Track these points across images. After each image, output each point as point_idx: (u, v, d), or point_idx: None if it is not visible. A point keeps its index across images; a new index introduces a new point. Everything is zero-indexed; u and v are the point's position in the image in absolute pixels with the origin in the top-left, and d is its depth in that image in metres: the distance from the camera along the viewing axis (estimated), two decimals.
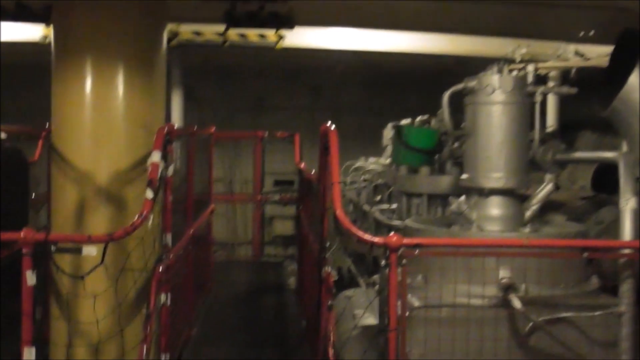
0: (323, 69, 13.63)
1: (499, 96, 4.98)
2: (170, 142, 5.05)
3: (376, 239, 4.14)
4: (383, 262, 4.14)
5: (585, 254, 4.27)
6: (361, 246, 4.25)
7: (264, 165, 12.67)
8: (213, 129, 8.78)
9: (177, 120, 11.52)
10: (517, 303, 4.36)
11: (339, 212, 4.21)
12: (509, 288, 4.47)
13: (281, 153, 13.60)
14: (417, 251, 4.12)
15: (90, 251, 4.14)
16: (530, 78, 5.30)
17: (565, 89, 5.37)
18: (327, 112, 15.84)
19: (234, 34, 9.57)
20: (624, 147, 9.01)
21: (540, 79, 5.44)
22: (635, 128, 5.52)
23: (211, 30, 9.63)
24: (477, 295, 4.49)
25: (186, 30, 9.70)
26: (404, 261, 4.10)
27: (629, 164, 4.90)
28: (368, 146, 12.33)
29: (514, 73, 5.09)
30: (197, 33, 9.72)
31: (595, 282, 4.98)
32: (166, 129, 4.98)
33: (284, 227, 13.47)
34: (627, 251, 4.39)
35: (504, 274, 4.56)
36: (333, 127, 4.68)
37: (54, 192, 5.80)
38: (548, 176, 5.59)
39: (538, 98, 5.37)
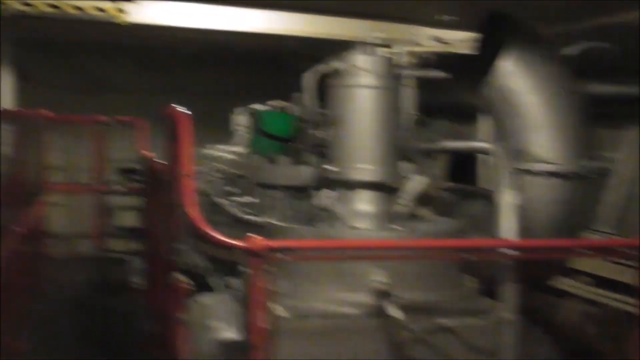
0: (173, 49, 12.74)
1: (367, 79, 4.47)
2: None
3: (236, 242, 3.52)
4: (245, 269, 3.53)
5: (466, 256, 3.85)
6: (218, 250, 3.59)
7: (107, 153, 11.71)
8: (47, 113, 7.80)
9: (7, 102, 10.28)
10: (394, 312, 3.88)
11: (192, 210, 3.54)
12: (383, 294, 4.00)
13: (127, 140, 12.62)
14: (283, 255, 3.54)
15: None
16: (400, 60, 4.84)
17: (436, 73, 4.94)
18: (173, 95, 15.02)
19: (69, 5, 8.56)
20: (481, 136, 8.87)
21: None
22: (506, 115, 5.21)
23: (44, 2, 8.58)
24: (351, 302, 3.99)
25: (14, 1, 8.59)
26: (268, 267, 3.51)
27: (502, 154, 4.53)
28: (219, 132, 11.59)
29: (383, 53, 4.59)
30: (27, 4, 8.63)
31: (471, 284, 4.62)
32: None
33: (129, 219, 12.49)
34: (507, 251, 4.02)
35: (377, 278, 4.09)
36: (184, 110, 3.98)
37: None
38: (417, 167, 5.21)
39: (409, 82, 4.93)
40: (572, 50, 5.35)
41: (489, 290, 4.38)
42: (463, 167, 10.09)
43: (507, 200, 4.17)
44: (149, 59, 14.23)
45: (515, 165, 4.74)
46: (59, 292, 7.76)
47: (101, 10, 8.75)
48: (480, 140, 7.09)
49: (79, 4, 8.62)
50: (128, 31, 9.81)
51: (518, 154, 5.03)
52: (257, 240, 3.44)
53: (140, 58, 14.06)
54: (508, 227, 4.14)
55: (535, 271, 4.45)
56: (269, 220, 4.67)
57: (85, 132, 12.39)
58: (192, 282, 4.39)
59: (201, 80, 14.83)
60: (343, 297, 3.92)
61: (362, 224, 4.52)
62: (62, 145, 13.88)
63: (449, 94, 8.40)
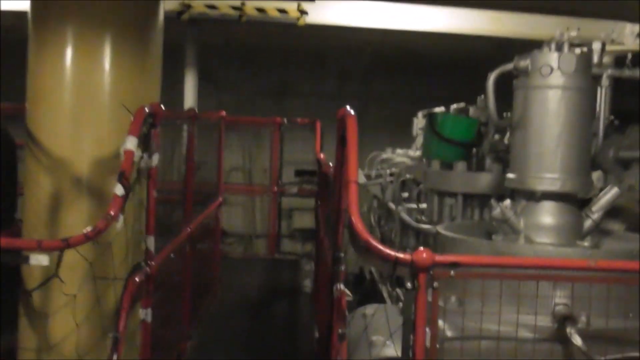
0: (351, 52, 12.75)
1: (557, 79, 4.09)
2: (155, 125, 4.22)
3: (401, 255, 3.30)
4: (409, 284, 3.31)
5: None
6: (382, 263, 3.39)
7: (283, 155, 11.88)
8: (223, 113, 7.98)
9: (190, 103, 10.72)
10: (577, 339, 3.51)
11: (355, 219, 3.37)
12: (566, 319, 3.63)
13: (303, 141, 12.80)
14: (452, 272, 3.28)
15: (41, 260, 3.37)
16: (596, 58, 4.43)
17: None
18: (355, 100, 15.03)
19: (251, 7, 8.75)
20: None
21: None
22: None
23: (227, 4, 8.83)
24: (527, 325, 3.65)
25: (199, 3, 8.91)
26: (436, 284, 3.27)
27: None
28: (398, 137, 11.45)
29: (577, 51, 4.20)
30: (211, 7, 8.92)
31: None
32: (147, 110, 4.16)
33: (304, 221, 12.64)
34: None
35: (560, 300, 3.72)
36: (352, 111, 3.82)
37: (26, 183, 5.01)
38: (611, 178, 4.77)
39: (604, 82, 4.50)
40: None
41: None
42: None
43: None
44: (331, 63, 14.36)
45: None
46: (230, 292, 7.89)
47: (282, 11, 8.87)
48: None
49: (261, 4, 8.79)
50: (310, 34, 9.92)
51: None
52: (424, 254, 3.21)
53: (322, 62, 14.22)
54: None
55: None
56: (440, 230, 4.41)
57: (264, 134, 12.69)
58: (355, 294, 4.23)
59: (385, 84, 14.77)
60: (518, 319, 3.59)
61: (544, 239, 4.16)
62: (242, 146, 14.36)
63: None
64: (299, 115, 12.53)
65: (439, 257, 3.27)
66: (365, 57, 12.73)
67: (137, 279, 3.95)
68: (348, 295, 3.86)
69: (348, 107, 4.01)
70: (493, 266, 3.37)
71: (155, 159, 4.25)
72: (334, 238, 4.35)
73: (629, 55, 6.23)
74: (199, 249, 6.50)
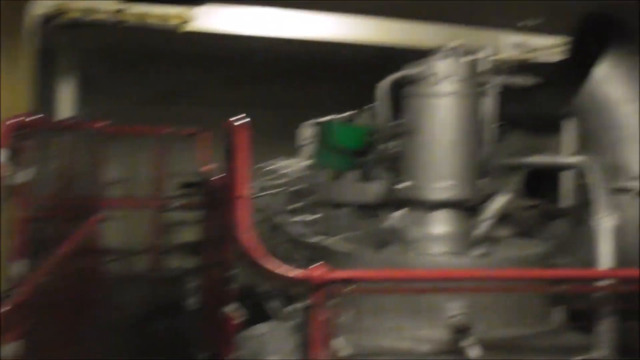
0: (239, 59, 12.53)
1: (447, 86, 4.10)
2: (25, 137, 3.94)
3: (295, 273, 3.19)
4: (304, 304, 3.20)
5: (557, 287, 3.43)
6: (276, 281, 3.27)
7: (169, 166, 11.58)
8: (102, 123, 7.64)
9: (67, 113, 10.25)
10: (472, 351, 3.49)
11: (246, 236, 3.23)
12: (461, 330, 3.61)
13: (189, 152, 12.50)
14: (349, 288, 3.20)
15: None
16: (483, 66, 4.46)
17: (523, 80, 4.55)
18: (242, 108, 14.82)
19: (130, 13, 8.44)
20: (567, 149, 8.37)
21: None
22: (598, 126, 4.76)
23: (105, 9, 8.47)
24: (423, 338, 3.61)
25: (76, 7, 8.51)
26: (333, 301, 3.18)
27: (597, 170, 4.10)
28: (286, 146, 11.32)
29: (465, 59, 4.21)
30: (88, 11, 8.53)
31: (560, 317, 4.19)
32: (15, 121, 3.88)
33: (190, 235, 12.29)
34: (605, 282, 3.59)
35: (454, 310, 3.71)
36: (243, 121, 3.68)
37: None
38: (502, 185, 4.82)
39: (492, 90, 4.54)
40: None
41: (582, 325, 3.95)
42: (538, 181, 9.58)
43: (605, 224, 3.73)
44: (216, 70, 14.09)
45: (610, 183, 4.30)
46: (111, 312, 7.55)
47: (163, 17, 8.60)
48: (570, 154, 6.61)
49: (141, 10, 8.49)
50: (193, 40, 9.66)
51: (613, 170, 4.57)
52: (319, 271, 3.11)
53: (207, 68, 13.94)
54: (605, 254, 3.70)
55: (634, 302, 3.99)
56: (332, 244, 4.32)
57: (147, 145, 12.31)
58: (246, 313, 4.08)
59: (271, 92, 14.61)
60: (415, 333, 3.55)
61: (437, 249, 4.14)
62: (123, 157, 13.88)
63: (525, 104, 7.95)
64: (187, 123, 12.23)
65: (335, 274, 3.19)
66: (253, 65, 12.56)
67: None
68: (239, 317, 3.71)
69: (241, 117, 3.87)
70: (389, 280, 3.31)
71: (26, 174, 3.96)
72: (221, 255, 4.20)
73: (508, 64, 6.38)
74: (76, 269, 6.16)
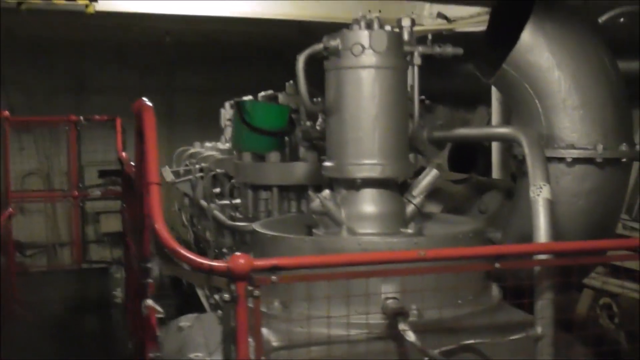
0: (151, 43, 12.11)
1: (370, 58, 3.86)
2: None
3: (215, 264, 2.92)
4: (226, 295, 2.94)
5: (497, 265, 3.25)
6: (194, 273, 2.99)
7: (85, 155, 11.11)
8: (6, 114, 7.19)
9: None
10: (409, 335, 3.30)
11: (159, 226, 2.95)
12: (397, 314, 3.41)
13: (105, 140, 12.06)
14: (274, 277, 2.95)
15: None
16: (406, 36, 4.25)
17: (451, 50, 4.35)
18: (159, 93, 14.32)
19: None
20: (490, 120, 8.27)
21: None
22: (528, 95, 4.60)
23: None
24: (358, 324, 3.39)
25: None
26: (257, 292, 2.93)
27: (533, 142, 3.94)
28: (208, 130, 11.00)
29: (387, 28, 3.98)
30: None
31: (496, 294, 4.04)
32: None
33: (112, 225, 11.84)
34: (543, 257, 3.43)
35: (388, 292, 3.51)
36: (148, 103, 3.37)
37: None
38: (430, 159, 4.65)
39: (416, 61, 4.34)
40: (606, 17, 4.73)
41: (520, 301, 3.80)
42: (463, 154, 9.49)
43: (543, 196, 3.57)
44: (132, 55, 13.58)
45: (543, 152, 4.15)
46: (32, 311, 7.15)
47: None
48: (503, 125, 6.50)
49: None
50: (105, 24, 9.22)
51: (544, 139, 4.43)
52: (241, 260, 2.85)
53: (122, 55, 13.41)
54: (543, 228, 3.54)
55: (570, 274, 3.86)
56: (257, 228, 4.06)
57: (62, 135, 11.79)
58: (172, 298, 3.79)
59: (191, 75, 14.18)
60: (348, 319, 3.32)
61: (368, 229, 3.93)
62: (38, 149, 13.29)
63: (449, 77, 7.83)
64: (100, 112, 11.76)
65: (257, 262, 2.94)
66: (167, 48, 12.13)
67: None
68: (158, 312, 3.42)
69: (144, 99, 3.56)
70: (317, 266, 3.07)
71: None
72: (139, 246, 3.90)
73: (429, 36, 6.20)
74: None
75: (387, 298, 3.49)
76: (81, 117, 9.76)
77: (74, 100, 13.26)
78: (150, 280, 3.58)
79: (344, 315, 3.28)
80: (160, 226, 2.93)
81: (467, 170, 10.32)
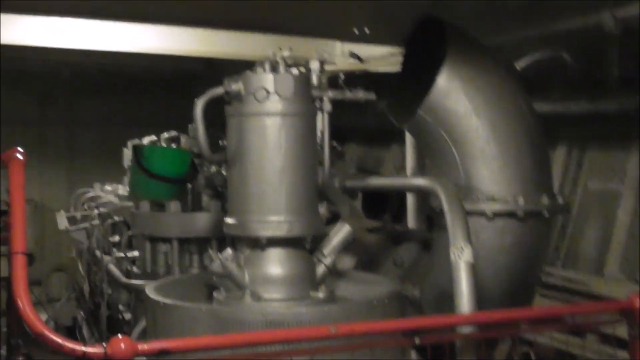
0: (51, 73, 11.48)
1: (275, 104, 3.49)
2: None
3: (90, 350, 2.47)
4: None
5: (417, 340, 2.91)
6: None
7: None
8: None
9: None
10: None
11: (23, 303, 2.48)
12: None
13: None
14: None
15: None
16: (315, 79, 3.91)
17: (362, 94, 4.04)
18: (60, 126, 13.64)
19: None
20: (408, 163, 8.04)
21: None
22: (444, 142, 4.34)
23: None
24: None
25: None
26: None
27: (452, 196, 3.65)
28: (111, 168, 10.38)
29: (294, 71, 3.63)
30: None
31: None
32: None
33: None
34: (467, 329, 3.12)
35: None
36: (18, 154, 2.89)
37: None
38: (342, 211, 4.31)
39: (326, 106, 4.01)
40: (523, 61, 4.53)
41: None
42: (374, 199, 9.25)
43: (465, 259, 3.26)
44: (30, 86, 12.90)
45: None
46: None
47: None
48: (414, 174, 6.24)
49: None
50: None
51: (462, 190, 4.16)
52: (122, 344, 2.42)
53: (19, 85, 12.72)
54: (466, 295, 3.23)
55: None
56: (150, 293, 3.61)
57: None
58: None
59: (94, 108, 13.55)
60: None
61: (274, 294, 3.53)
62: None
63: (361, 114, 7.60)
64: None
65: (142, 346, 2.50)
66: (67, 79, 11.53)
67: None
68: None
69: (18, 149, 3.06)
70: (214, 348, 2.66)
71: None
72: (10, 319, 3.39)
73: (341, 75, 5.88)
74: None
75: None
76: None
77: None
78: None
79: None
80: (24, 304, 2.47)
81: (380, 209, 10.10)
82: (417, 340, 2.88)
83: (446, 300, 3.62)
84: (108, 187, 8.64)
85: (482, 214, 4.04)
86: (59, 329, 8.52)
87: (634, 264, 6.86)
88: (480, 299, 3.51)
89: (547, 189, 4.27)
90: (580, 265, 7.41)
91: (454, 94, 4.27)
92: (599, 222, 7.39)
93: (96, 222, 6.69)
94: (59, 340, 2.45)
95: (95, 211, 6.98)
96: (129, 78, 12.35)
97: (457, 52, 4.29)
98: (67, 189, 12.25)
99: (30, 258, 9.99)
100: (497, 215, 4.07)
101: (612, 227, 7.13)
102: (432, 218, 4.77)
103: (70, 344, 2.44)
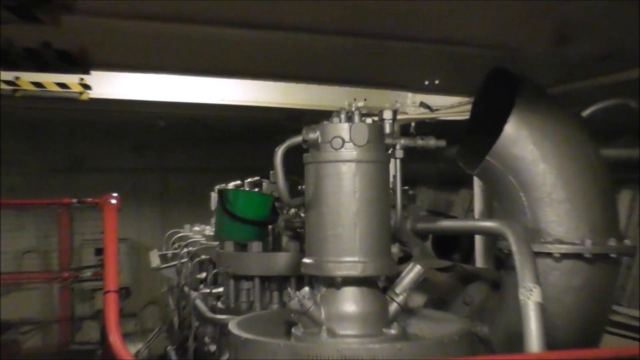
0: (145, 124, 11.79)
1: (350, 151, 3.47)
2: None
3: None
4: None
5: None
6: None
7: (77, 236, 10.65)
8: None
9: None
10: None
11: (113, 340, 2.50)
12: None
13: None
14: None
15: None
16: (387, 128, 3.87)
17: (433, 142, 3.97)
18: (154, 173, 13.97)
19: (26, 82, 7.62)
20: (476, 204, 7.88)
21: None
22: (512, 187, 4.22)
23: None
24: None
25: None
26: None
27: (521, 239, 3.53)
28: (199, 211, 10.54)
29: (369, 121, 3.61)
30: None
31: None
32: None
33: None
34: None
35: None
36: (112, 200, 2.95)
37: None
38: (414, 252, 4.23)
39: (398, 154, 3.95)
40: (590, 109, 4.39)
41: None
42: (445, 240, 9.05)
43: (534, 300, 3.13)
44: (126, 136, 13.27)
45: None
46: None
47: (63, 85, 7.80)
48: (488, 219, 6.11)
49: (38, 78, 7.67)
50: (98, 107, 8.89)
51: (529, 233, 4.02)
52: None
53: (116, 135, 13.12)
54: (536, 334, 3.10)
55: None
56: (233, 329, 3.59)
57: (55, 215, 11.37)
58: None
59: (184, 155, 13.84)
60: None
61: (348, 330, 3.47)
62: (37, 227, 12.81)
63: (432, 160, 7.50)
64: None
65: None
66: (160, 129, 11.82)
67: None
68: None
69: (113, 195, 3.12)
70: None
71: None
72: (105, 347, 3.42)
73: (413, 124, 5.84)
74: None
75: None
76: (74, 200, 9.31)
77: (70, 179, 12.88)
78: None
79: None
80: (115, 339, 2.48)
81: (450, 250, 9.90)
82: None
83: (516, 339, 3.49)
84: (196, 228, 8.75)
85: (549, 254, 3.91)
86: (152, 357, 8.63)
87: None
88: (550, 338, 3.36)
89: (614, 231, 4.10)
90: None
91: (522, 141, 4.17)
92: None
93: (185, 260, 6.76)
94: None
95: (184, 250, 7.06)
96: (217, 128, 12.59)
97: (524, 101, 4.20)
98: (160, 229, 12.48)
99: (127, 292, 10.26)
100: (564, 256, 3.92)
101: None
102: (500, 259, 4.62)
103: None
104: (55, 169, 13.12)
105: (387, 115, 3.83)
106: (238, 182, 6.57)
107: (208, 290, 5.44)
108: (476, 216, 7.80)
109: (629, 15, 4.28)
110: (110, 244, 2.72)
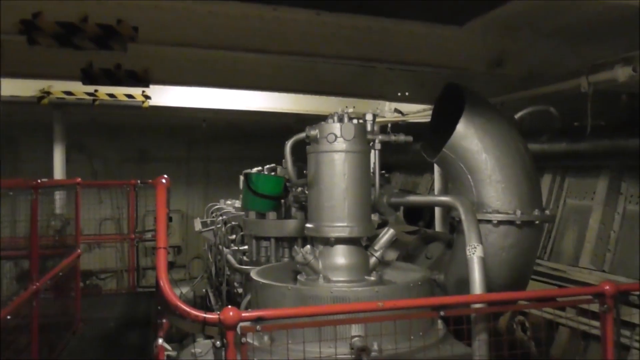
0: (193, 125, 11.75)
1: (341, 144, 3.42)
2: None
3: (208, 316, 2.42)
4: (218, 343, 2.43)
5: (442, 312, 2.76)
6: (191, 323, 2.48)
7: (145, 207, 10.63)
8: (78, 180, 6.72)
9: (59, 172, 9.17)
10: None
11: (164, 283, 2.46)
12: (361, 350, 2.89)
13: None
14: (258, 327, 2.44)
15: None
16: (369, 127, 3.80)
17: (403, 137, 3.90)
18: (200, 162, 13.92)
19: (103, 93, 7.56)
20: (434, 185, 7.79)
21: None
22: (462, 171, 4.15)
23: (81, 90, 7.58)
24: (329, 356, 2.87)
25: (57, 89, 7.60)
26: (244, 339, 2.42)
27: (468, 209, 3.47)
28: (232, 190, 10.49)
29: (355, 121, 3.55)
30: (68, 93, 7.63)
31: (441, 328, 3.51)
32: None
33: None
34: (479, 305, 2.94)
35: (356, 332, 2.99)
36: (163, 180, 2.91)
37: None
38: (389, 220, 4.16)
39: (377, 146, 3.88)
40: (520, 113, 4.32)
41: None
42: (412, 211, 9.03)
43: (477, 255, 3.08)
44: (179, 134, 13.24)
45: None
46: (91, 327, 6.53)
47: (130, 96, 7.74)
48: (444, 194, 6.05)
49: (111, 90, 7.61)
50: (159, 112, 8.83)
51: (475, 205, 3.96)
52: (230, 313, 2.35)
53: (172, 133, 13.08)
54: (477, 281, 3.05)
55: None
56: (253, 275, 3.55)
57: (125, 192, 11.31)
58: (173, 347, 3.23)
59: (222, 149, 13.81)
60: (322, 351, 2.80)
61: (339, 277, 3.43)
62: (112, 201, 12.79)
63: (403, 153, 7.44)
64: (156, 176, 11.28)
65: (245, 314, 2.43)
66: (203, 129, 11.76)
67: None
68: (168, 349, 2.89)
69: (164, 177, 3.07)
70: (296, 316, 2.57)
71: None
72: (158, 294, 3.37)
73: (389, 125, 5.74)
74: (56, 294, 5.19)
75: (354, 337, 2.97)
76: (138, 181, 9.29)
77: (137, 166, 12.86)
78: (163, 321, 3.05)
79: (317, 351, 2.77)
80: (164, 285, 2.44)
81: (417, 218, 9.86)
82: (442, 313, 2.71)
83: (464, 284, 3.45)
84: (229, 202, 8.70)
85: (489, 221, 3.84)
86: (195, 297, 8.60)
87: (601, 258, 6.57)
88: (489, 283, 3.32)
89: (537, 204, 4.03)
90: (561, 258, 7.13)
91: (469, 137, 4.09)
92: (575, 228, 7.10)
93: (220, 225, 6.71)
94: (187, 309, 2.40)
95: (220, 218, 7.01)
96: (245, 128, 12.53)
97: (471, 107, 4.13)
98: (202, 203, 12.47)
99: (179, 249, 10.15)
100: (500, 223, 3.86)
101: (585, 231, 6.86)
102: (453, 225, 4.57)
103: (194, 312, 2.39)
104: (127, 159, 13.10)
105: (369, 117, 3.76)
106: (259, 167, 6.51)
107: (236, 248, 5.39)
108: (436, 193, 7.74)
109: (543, 47, 4.26)
110: (161, 211, 2.68)
